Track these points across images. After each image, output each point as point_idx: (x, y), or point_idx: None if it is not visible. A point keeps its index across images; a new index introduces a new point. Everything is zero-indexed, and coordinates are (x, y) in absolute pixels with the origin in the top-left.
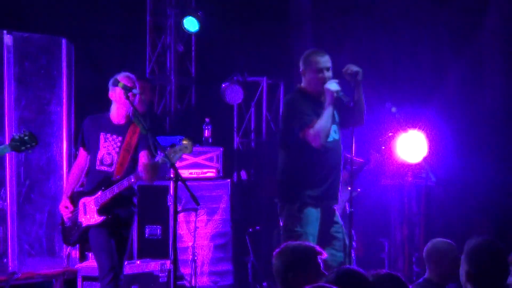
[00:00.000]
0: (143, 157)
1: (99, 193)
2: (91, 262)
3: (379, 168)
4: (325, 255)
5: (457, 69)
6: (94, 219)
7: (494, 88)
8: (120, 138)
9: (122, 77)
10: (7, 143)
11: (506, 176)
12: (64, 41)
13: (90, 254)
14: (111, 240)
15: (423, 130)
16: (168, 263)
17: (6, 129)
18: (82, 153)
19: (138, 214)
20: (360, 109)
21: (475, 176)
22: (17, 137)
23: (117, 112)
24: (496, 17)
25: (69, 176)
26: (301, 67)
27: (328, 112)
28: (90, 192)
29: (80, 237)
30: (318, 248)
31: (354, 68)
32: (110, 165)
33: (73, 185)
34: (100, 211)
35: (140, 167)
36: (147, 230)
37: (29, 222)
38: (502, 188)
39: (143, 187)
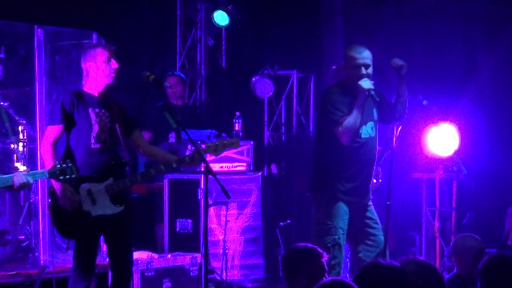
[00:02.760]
0: (142, 138)
1: (110, 180)
2: None
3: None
4: (325, 257)
5: (489, 61)
6: (110, 209)
7: None
8: (107, 113)
9: (105, 49)
10: (38, 138)
11: None
12: (94, 35)
13: None
14: (111, 236)
15: (454, 123)
16: (199, 257)
17: (37, 123)
18: (57, 130)
19: (169, 208)
20: (402, 104)
21: (506, 169)
22: (58, 166)
23: (97, 85)
24: None
25: (54, 158)
26: (343, 61)
27: (357, 110)
28: (95, 178)
29: (84, 228)
30: (319, 250)
31: (399, 62)
32: (104, 142)
33: None
34: (116, 200)
35: (144, 148)
36: (178, 224)
37: None
38: None
39: (174, 180)
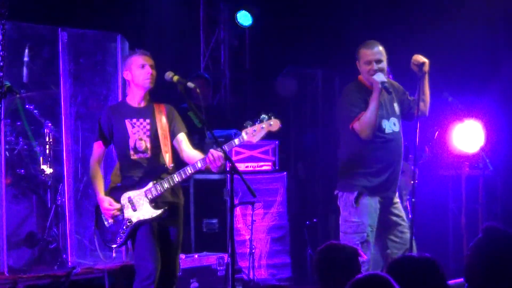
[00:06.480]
0: (185, 142)
1: (149, 184)
2: None
3: (434, 159)
4: (365, 257)
5: None
6: (149, 213)
7: None
8: (148, 121)
9: (139, 56)
10: (64, 140)
11: None
12: (118, 37)
13: None
14: (159, 241)
15: (479, 119)
16: (226, 257)
17: (63, 125)
18: (98, 146)
19: (195, 208)
20: (424, 101)
21: None
22: None
23: (135, 94)
24: None
25: (96, 174)
26: (356, 58)
27: (373, 105)
28: (136, 185)
29: (129, 235)
30: (359, 250)
31: (420, 58)
32: (145, 151)
33: (102, 181)
34: (155, 204)
35: (185, 153)
36: (204, 224)
37: (87, 218)
38: None
39: (200, 181)
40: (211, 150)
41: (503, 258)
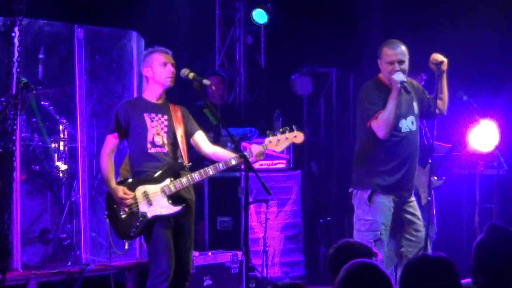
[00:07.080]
0: (203, 139)
1: (167, 180)
2: None
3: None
4: (380, 256)
5: None
6: (166, 209)
7: None
8: (166, 117)
9: (161, 54)
10: (79, 137)
11: None
12: (134, 34)
13: None
14: (172, 238)
15: (494, 118)
16: (239, 255)
17: (78, 122)
18: (113, 139)
19: (209, 206)
20: (442, 99)
21: None
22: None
23: (154, 91)
24: None
25: (108, 165)
26: (378, 56)
27: (392, 104)
28: (152, 180)
29: (143, 229)
30: (374, 249)
31: (439, 57)
32: (162, 145)
33: (114, 172)
34: (174, 201)
35: (207, 149)
36: (218, 221)
37: (101, 215)
38: None
39: (214, 178)
40: (254, 145)
41: (506, 257)
